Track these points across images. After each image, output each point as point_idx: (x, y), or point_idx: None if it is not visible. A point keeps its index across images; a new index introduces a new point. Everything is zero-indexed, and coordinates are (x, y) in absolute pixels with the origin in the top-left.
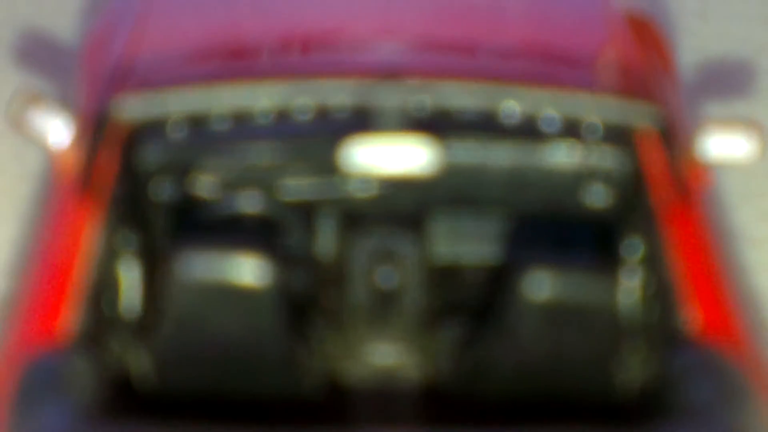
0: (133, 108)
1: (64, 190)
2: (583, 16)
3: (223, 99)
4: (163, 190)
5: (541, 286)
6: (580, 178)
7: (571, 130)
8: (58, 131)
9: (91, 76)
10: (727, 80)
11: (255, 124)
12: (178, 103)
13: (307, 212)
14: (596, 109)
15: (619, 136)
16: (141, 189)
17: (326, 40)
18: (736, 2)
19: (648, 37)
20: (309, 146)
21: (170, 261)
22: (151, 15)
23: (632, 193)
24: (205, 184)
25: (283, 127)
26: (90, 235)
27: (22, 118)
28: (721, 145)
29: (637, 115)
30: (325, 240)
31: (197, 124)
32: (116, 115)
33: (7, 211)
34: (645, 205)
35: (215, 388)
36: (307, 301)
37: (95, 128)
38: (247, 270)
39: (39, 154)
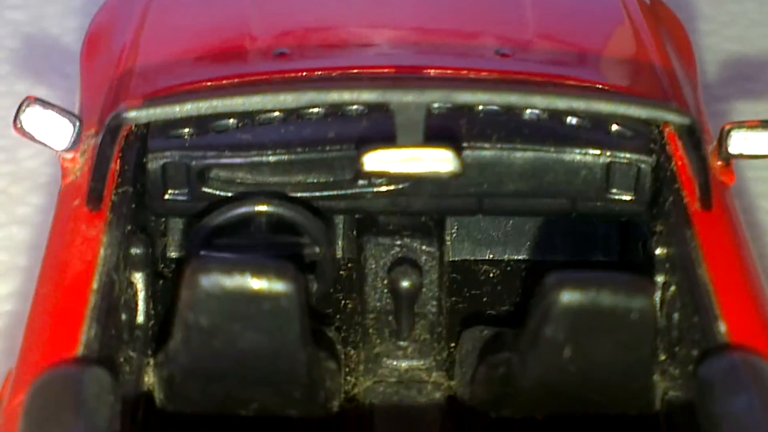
0: (142, 115)
1: (72, 199)
2: (604, 11)
3: (233, 105)
4: (175, 198)
5: (572, 290)
6: (605, 177)
7: (596, 130)
8: (64, 137)
9: (93, 78)
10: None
11: (267, 129)
12: (189, 109)
13: (323, 216)
14: (621, 108)
15: (645, 135)
16: (153, 197)
17: (339, 40)
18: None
19: (670, 30)
20: (324, 150)
21: (187, 271)
22: (151, 14)
23: (659, 193)
24: (217, 190)
25: (297, 130)
26: (101, 247)
27: (29, 124)
28: (745, 143)
29: (662, 115)
30: (342, 243)
31: (208, 130)
32: (125, 123)
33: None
34: (673, 205)
35: (235, 401)
36: (325, 307)
37: (105, 136)
38: (270, 278)
39: (32, 152)
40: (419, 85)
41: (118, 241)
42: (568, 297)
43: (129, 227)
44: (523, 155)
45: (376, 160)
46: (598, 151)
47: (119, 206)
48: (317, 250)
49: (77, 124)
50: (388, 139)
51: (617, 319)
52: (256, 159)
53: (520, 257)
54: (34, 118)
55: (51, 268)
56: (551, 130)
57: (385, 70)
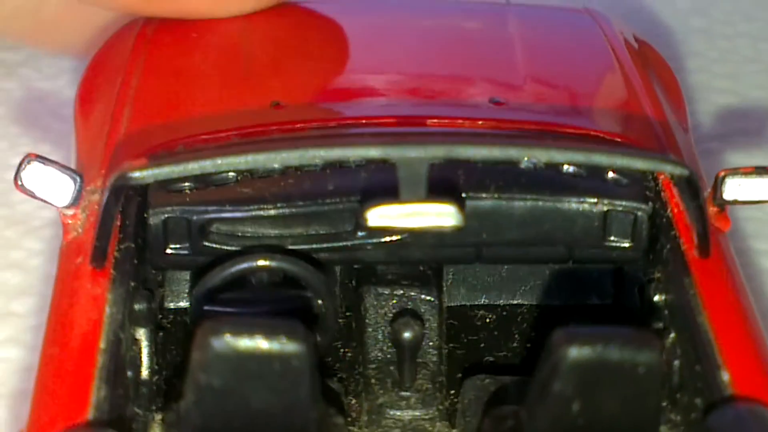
0: (146, 175)
1: (75, 256)
2: (594, 56)
3: (237, 163)
4: (176, 252)
5: (580, 346)
6: (602, 225)
7: (592, 178)
8: (66, 193)
9: (88, 131)
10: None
11: (267, 182)
12: (192, 168)
13: (324, 269)
14: (620, 161)
15: (640, 183)
16: (153, 252)
17: (335, 90)
18: (741, 21)
19: (658, 73)
20: (324, 203)
21: (198, 333)
22: (141, 66)
23: (656, 239)
24: (218, 244)
25: (296, 183)
26: (107, 305)
27: (29, 181)
28: (740, 189)
29: (661, 166)
30: (341, 293)
31: (208, 183)
32: (130, 183)
33: None
34: (671, 252)
35: None
36: (326, 357)
37: (109, 196)
38: (281, 338)
39: (26, 196)
40: (421, 140)
41: (123, 299)
42: (576, 352)
43: (132, 284)
44: (521, 204)
45: (379, 216)
46: (595, 200)
47: (122, 263)
48: (319, 302)
49: (78, 180)
50: (389, 192)
51: (625, 373)
52: (256, 212)
53: (515, 302)
54: (35, 175)
55: (57, 328)
56: (548, 179)
57: (383, 121)
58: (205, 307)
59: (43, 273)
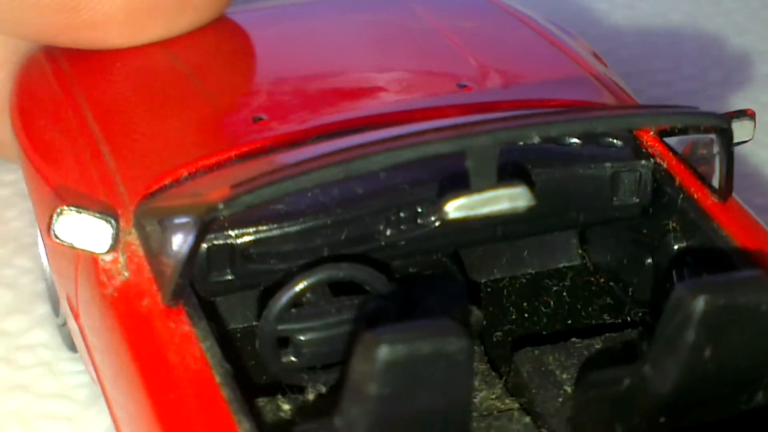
0: (235, 205)
1: (136, 300)
2: (525, 39)
3: (315, 179)
4: (219, 279)
5: (708, 295)
6: (610, 186)
7: (590, 145)
8: (104, 239)
9: (60, 178)
10: None
11: (298, 197)
12: (276, 190)
13: (382, 269)
14: (667, 120)
15: (633, 144)
16: (198, 281)
17: (324, 98)
18: None
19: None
20: (355, 208)
21: (359, 346)
22: (85, 102)
23: (661, 194)
24: (263, 265)
25: (325, 193)
26: (200, 341)
27: (64, 232)
28: None
29: (705, 120)
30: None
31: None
32: (219, 216)
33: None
34: (685, 201)
35: None
36: None
37: (199, 233)
38: (445, 338)
39: (17, 213)
40: (488, 128)
41: (208, 331)
42: (706, 302)
43: (205, 315)
44: (536, 179)
45: (456, 207)
46: (601, 164)
47: (189, 296)
48: (383, 301)
49: (114, 223)
50: (448, 185)
51: (751, 314)
52: (293, 228)
53: (499, 276)
54: (70, 225)
55: (155, 375)
56: (553, 152)
57: (393, 116)
58: (279, 327)
59: (33, 291)
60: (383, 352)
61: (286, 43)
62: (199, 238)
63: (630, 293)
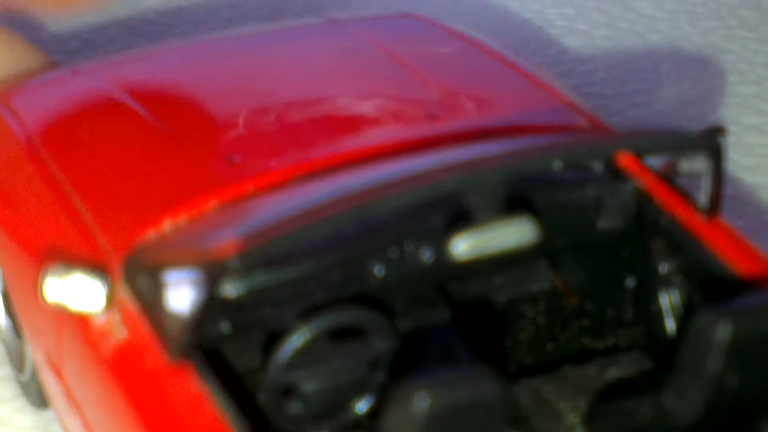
0: (248, 259)
1: (137, 359)
2: (473, 59)
3: (328, 224)
4: (212, 331)
5: (731, 322)
6: (593, 210)
7: (569, 171)
8: (98, 297)
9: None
10: None
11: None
12: (290, 239)
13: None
14: (659, 146)
15: (611, 166)
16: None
17: (297, 135)
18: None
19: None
20: (352, 249)
21: (397, 394)
22: (44, 154)
23: (643, 214)
24: (257, 314)
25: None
26: (209, 396)
27: (55, 293)
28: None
29: (699, 142)
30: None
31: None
32: (232, 271)
33: None
34: (668, 221)
35: None
36: None
37: (211, 288)
38: (483, 385)
39: None
40: (495, 164)
41: (218, 386)
42: (731, 328)
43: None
44: (548, 206)
45: (467, 245)
46: (584, 188)
47: (195, 351)
48: (386, 343)
49: (107, 280)
50: (444, 223)
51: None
52: (288, 274)
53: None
54: (59, 285)
55: None
56: (536, 179)
57: (378, 149)
58: (285, 378)
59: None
60: (423, 401)
61: (242, 77)
62: (211, 293)
63: (608, 315)
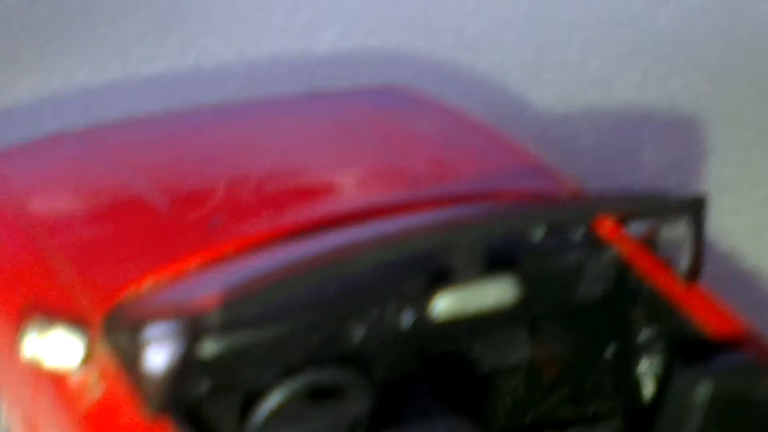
0: (227, 315)
1: (114, 416)
2: (454, 130)
3: (304, 282)
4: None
5: (710, 382)
6: (576, 277)
7: (554, 237)
8: (76, 353)
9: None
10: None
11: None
12: (272, 292)
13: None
14: (644, 207)
15: (591, 234)
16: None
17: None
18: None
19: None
20: (332, 308)
21: None
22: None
23: (623, 280)
24: (234, 376)
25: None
26: None
27: (35, 349)
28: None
29: (682, 203)
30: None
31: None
32: (210, 327)
33: None
34: (647, 289)
35: None
36: None
37: (191, 343)
38: None
39: None
40: (475, 223)
41: None
42: (710, 388)
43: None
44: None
45: (448, 302)
46: (564, 254)
47: (173, 407)
48: (363, 403)
49: (86, 337)
50: (417, 288)
51: (753, 398)
52: (265, 335)
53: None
54: (37, 342)
55: None
56: (517, 246)
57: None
58: None
59: None
60: None
61: (224, 147)
62: (191, 348)
63: (587, 383)
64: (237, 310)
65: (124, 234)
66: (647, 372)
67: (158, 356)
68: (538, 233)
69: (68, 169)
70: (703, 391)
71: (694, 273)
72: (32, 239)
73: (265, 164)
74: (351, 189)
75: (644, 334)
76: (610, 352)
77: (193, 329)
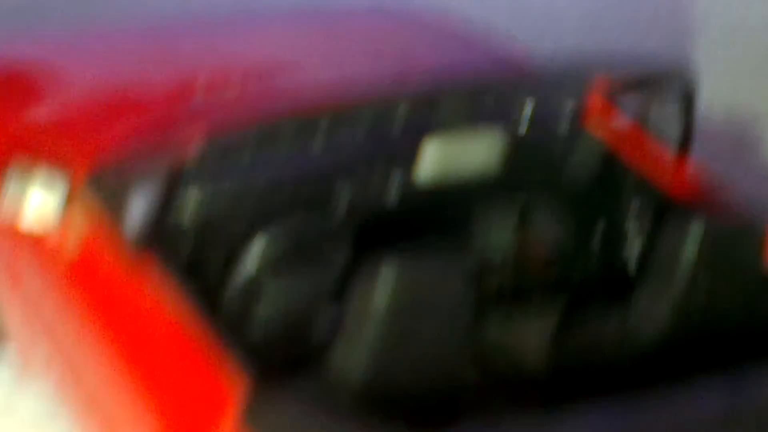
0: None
1: (99, 256)
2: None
3: (289, 129)
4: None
5: (696, 240)
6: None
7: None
8: (55, 202)
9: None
10: None
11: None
12: (256, 137)
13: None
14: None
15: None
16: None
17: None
18: None
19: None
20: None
21: (380, 273)
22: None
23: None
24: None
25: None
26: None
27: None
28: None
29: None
30: None
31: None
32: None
33: None
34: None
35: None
36: None
37: (171, 177)
38: (453, 266)
39: None
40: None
41: (180, 272)
42: (702, 224)
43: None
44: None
45: (434, 153)
46: (554, 131)
47: (154, 243)
48: (345, 257)
49: (67, 183)
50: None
51: (733, 263)
52: (250, 187)
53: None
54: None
55: (131, 328)
56: (505, 119)
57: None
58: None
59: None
60: (390, 273)
61: (208, 47)
62: (175, 180)
63: (578, 268)
64: (218, 146)
65: (110, 105)
66: (636, 245)
67: (142, 195)
68: (525, 113)
69: (64, 57)
70: (696, 228)
71: (685, 145)
72: (24, 99)
73: (251, 61)
74: (326, 76)
75: (632, 220)
76: (598, 236)
77: (176, 166)
